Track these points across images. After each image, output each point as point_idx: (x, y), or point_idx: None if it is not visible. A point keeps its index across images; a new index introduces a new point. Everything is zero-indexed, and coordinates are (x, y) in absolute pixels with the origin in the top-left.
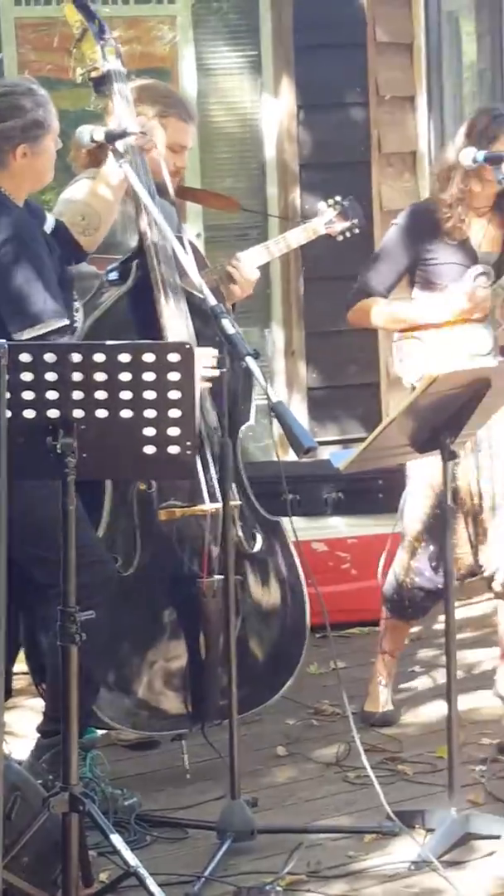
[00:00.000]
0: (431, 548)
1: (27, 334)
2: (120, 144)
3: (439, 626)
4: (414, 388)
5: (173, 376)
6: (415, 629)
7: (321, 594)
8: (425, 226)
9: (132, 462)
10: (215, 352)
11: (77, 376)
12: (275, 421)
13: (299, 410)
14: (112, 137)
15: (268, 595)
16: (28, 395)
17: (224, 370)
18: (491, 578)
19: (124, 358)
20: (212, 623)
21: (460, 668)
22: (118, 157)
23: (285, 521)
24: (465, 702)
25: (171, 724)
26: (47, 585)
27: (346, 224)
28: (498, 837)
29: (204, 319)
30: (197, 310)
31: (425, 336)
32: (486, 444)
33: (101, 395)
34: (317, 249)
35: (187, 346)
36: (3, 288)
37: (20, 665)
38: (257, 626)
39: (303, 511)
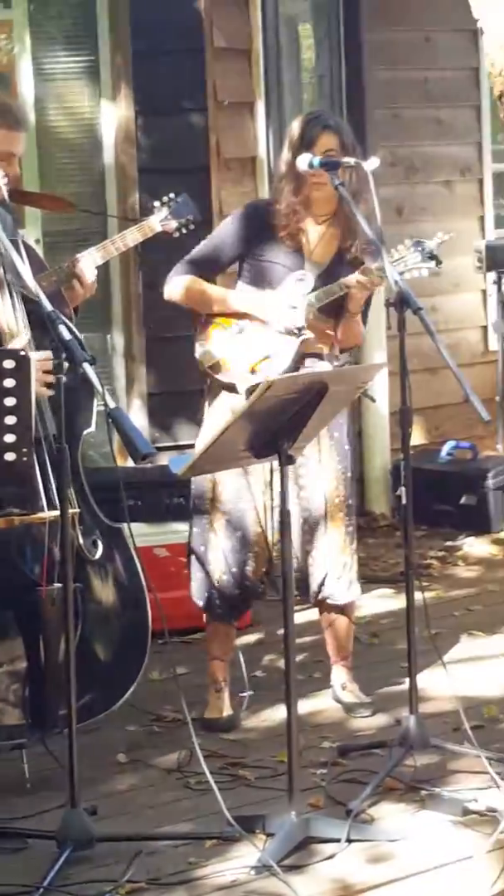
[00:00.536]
0: (232, 546)
1: None
2: None
3: (280, 630)
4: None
5: (8, 383)
6: (255, 634)
7: (160, 600)
8: (261, 221)
9: None
10: (50, 354)
11: None
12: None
13: (139, 416)
14: None
15: (109, 602)
16: None
17: (62, 376)
18: (312, 587)
19: None
20: (52, 631)
21: (300, 672)
22: None
23: (126, 527)
24: (305, 706)
25: (9, 734)
26: None
27: (181, 220)
28: (338, 841)
29: (43, 326)
30: (36, 317)
31: (233, 325)
32: (314, 456)
33: None
34: (156, 254)
35: (22, 353)
36: None
37: None
38: (99, 634)
39: (144, 517)
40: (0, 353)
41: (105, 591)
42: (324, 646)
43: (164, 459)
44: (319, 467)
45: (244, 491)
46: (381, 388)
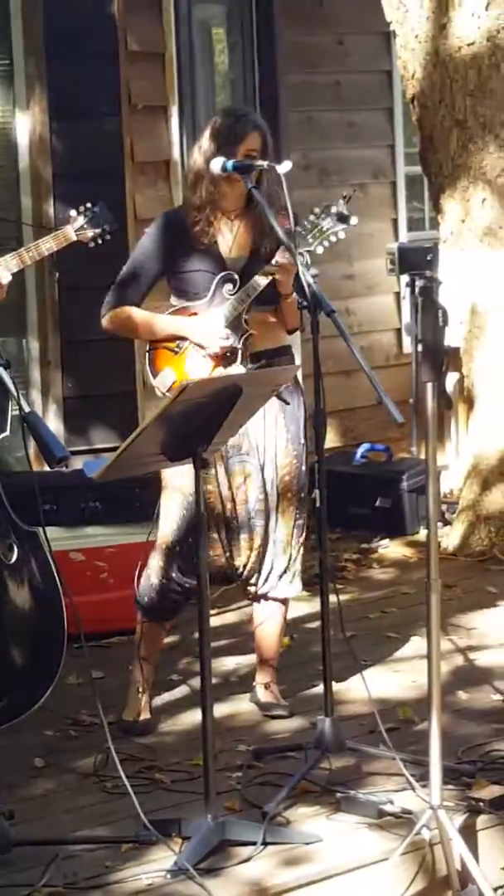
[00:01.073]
0: (180, 550)
1: None
2: None
3: (196, 634)
4: (166, 396)
5: None
6: (172, 637)
7: (76, 605)
8: (176, 233)
9: None
10: None
11: None
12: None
13: (55, 420)
14: None
15: (25, 606)
16: None
17: None
18: (249, 582)
19: None
20: None
21: (216, 676)
22: None
23: (42, 532)
24: (221, 709)
25: None
26: None
27: (98, 230)
28: (254, 844)
29: None
30: None
31: (176, 347)
32: (255, 451)
33: None
34: (71, 258)
35: None
36: None
37: None
38: (14, 638)
39: (60, 521)
40: None
41: (20, 595)
42: (241, 649)
43: (79, 463)
44: (275, 462)
45: (192, 497)
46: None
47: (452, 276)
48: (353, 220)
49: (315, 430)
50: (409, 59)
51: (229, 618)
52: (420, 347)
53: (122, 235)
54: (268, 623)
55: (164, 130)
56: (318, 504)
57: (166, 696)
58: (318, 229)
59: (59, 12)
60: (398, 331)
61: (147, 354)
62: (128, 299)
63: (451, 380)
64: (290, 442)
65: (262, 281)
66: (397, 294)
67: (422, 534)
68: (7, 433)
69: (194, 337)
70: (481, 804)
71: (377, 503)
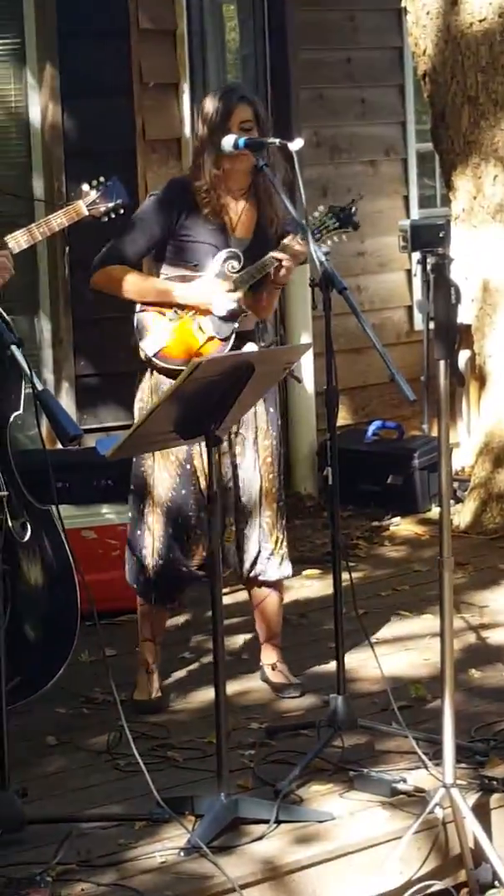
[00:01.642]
0: (171, 531)
1: None
2: None
3: (209, 612)
4: (150, 361)
5: None
6: (184, 616)
7: (88, 582)
8: (183, 199)
9: None
10: None
11: None
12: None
13: (67, 398)
14: None
15: (38, 584)
16: None
17: None
18: (245, 564)
19: None
20: None
21: (228, 654)
22: None
23: (55, 510)
24: (233, 687)
25: None
26: None
27: (110, 204)
28: (266, 822)
29: None
30: None
31: (170, 313)
32: (251, 434)
33: None
34: (84, 237)
35: None
36: None
37: None
38: (28, 616)
39: (72, 499)
40: None
41: (34, 574)
42: (252, 626)
43: (92, 442)
44: (255, 445)
45: (185, 476)
46: (306, 369)
47: (464, 253)
48: (358, 226)
49: (327, 407)
50: (421, 35)
51: (241, 596)
52: (432, 325)
53: (133, 212)
54: (264, 605)
55: (175, 108)
56: (329, 481)
57: (179, 674)
58: (325, 227)
59: None
60: (409, 308)
61: (135, 316)
62: (125, 258)
63: (462, 357)
64: (270, 424)
65: (269, 264)
66: (408, 271)
67: (433, 511)
68: (20, 412)
69: (199, 298)
70: (494, 782)
71: (389, 481)
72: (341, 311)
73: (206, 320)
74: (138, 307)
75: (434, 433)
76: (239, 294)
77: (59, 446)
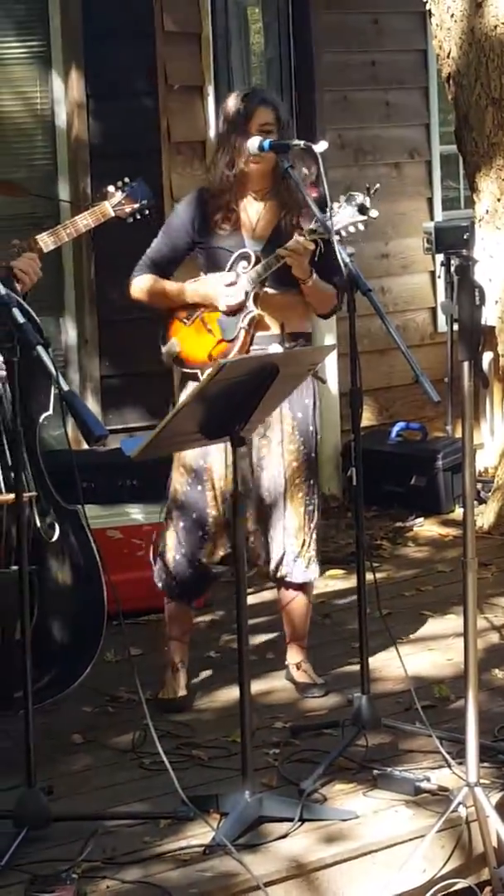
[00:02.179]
0: (188, 529)
1: None
2: None
3: (234, 611)
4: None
5: None
6: (210, 615)
7: (114, 582)
8: (198, 208)
9: None
10: None
11: None
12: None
13: (92, 399)
14: None
15: (66, 584)
16: None
17: (15, 359)
18: (270, 565)
19: None
20: (8, 614)
21: (253, 653)
22: None
23: (82, 510)
24: (258, 686)
25: None
26: None
27: (136, 205)
28: (291, 820)
29: None
30: None
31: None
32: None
33: None
34: (108, 239)
35: None
36: None
37: None
38: (55, 615)
39: (97, 499)
40: None
41: (61, 573)
42: (277, 626)
43: (117, 442)
44: (280, 447)
45: (203, 472)
46: (330, 370)
47: (488, 254)
48: (374, 213)
49: (351, 408)
50: (445, 38)
51: (266, 595)
52: (456, 326)
53: (158, 216)
54: (291, 606)
55: (200, 110)
56: (353, 482)
57: (204, 674)
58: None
59: None
60: (433, 310)
61: (160, 324)
62: (151, 267)
63: (486, 359)
64: (297, 429)
65: (273, 262)
66: (432, 273)
67: (457, 512)
68: (50, 412)
69: (208, 298)
70: None
71: (412, 481)
72: (365, 312)
73: (216, 322)
74: (165, 316)
75: (458, 434)
76: (241, 288)
77: (85, 446)
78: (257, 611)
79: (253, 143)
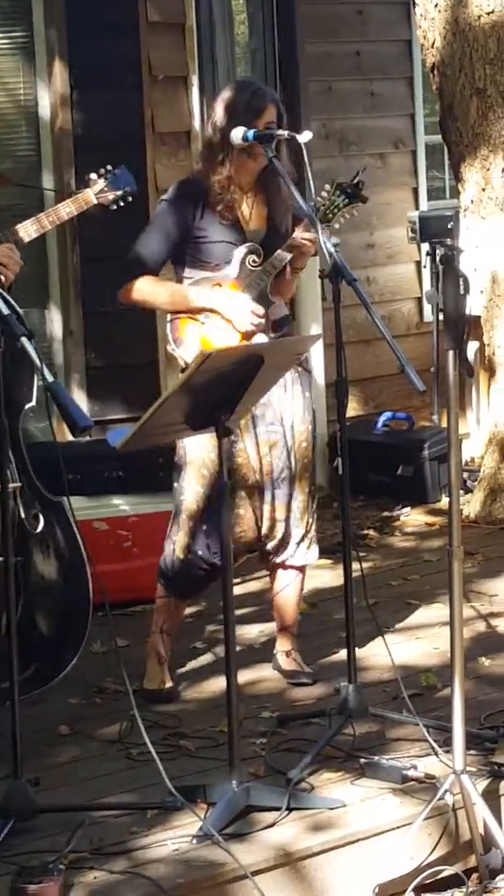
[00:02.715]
0: (205, 526)
1: None
2: None
3: (220, 602)
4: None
5: None
6: (196, 606)
7: (100, 573)
8: (195, 200)
9: None
10: None
11: None
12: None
13: (78, 390)
14: None
15: (51, 575)
16: None
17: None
18: (269, 550)
19: None
20: None
21: (239, 643)
22: None
23: (67, 501)
24: (244, 676)
25: None
26: None
27: (118, 192)
28: (278, 809)
29: None
30: None
31: (202, 317)
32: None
33: None
34: (93, 229)
35: None
36: None
37: None
38: (41, 607)
39: (83, 490)
40: None
41: (47, 565)
42: (264, 616)
43: (102, 433)
44: (292, 430)
45: (211, 472)
46: (316, 360)
47: (473, 244)
48: (366, 199)
49: (337, 398)
50: (429, 28)
51: (252, 586)
52: (442, 316)
53: (142, 206)
54: (287, 591)
55: (184, 101)
56: (340, 472)
57: (191, 664)
58: (334, 206)
59: None
60: (419, 299)
61: (168, 324)
62: (147, 266)
63: (472, 348)
64: (306, 408)
65: (287, 255)
66: (418, 263)
67: (443, 502)
68: (34, 403)
69: (227, 314)
70: None
71: (399, 471)
72: (351, 302)
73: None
74: (169, 315)
75: (444, 424)
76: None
77: (70, 438)
78: (244, 601)
79: (237, 133)
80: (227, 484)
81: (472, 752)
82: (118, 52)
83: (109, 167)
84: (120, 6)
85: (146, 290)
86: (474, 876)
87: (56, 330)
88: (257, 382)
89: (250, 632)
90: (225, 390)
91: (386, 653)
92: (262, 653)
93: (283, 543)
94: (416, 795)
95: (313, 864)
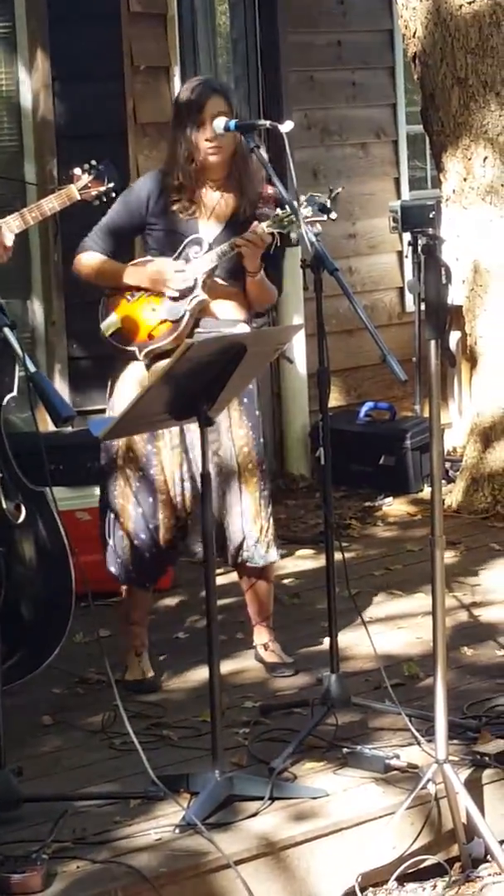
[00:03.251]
0: (141, 510)
1: None
2: None
3: (202, 592)
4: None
5: None
6: (179, 596)
7: (83, 564)
8: (152, 192)
9: None
10: None
11: None
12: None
13: (60, 381)
14: None
15: (33, 565)
16: None
17: None
18: (229, 551)
19: None
20: None
21: (222, 634)
22: None
23: (49, 491)
24: (227, 666)
25: None
26: None
27: (102, 188)
28: (261, 798)
29: None
30: None
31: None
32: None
33: None
34: (75, 220)
35: None
36: None
37: None
38: (23, 597)
39: (66, 481)
40: None
41: (29, 555)
42: (245, 606)
43: (85, 424)
44: (230, 434)
45: (152, 456)
46: (298, 350)
47: (455, 234)
48: (333, 215)
49: (319, 388)
50: (410, 17)
51: (234, 576)
52: (423, 306)
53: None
54: (253, 589)
55: (166, 91)
56: (322, 462)
57: (173, 654)
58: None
59: None
60: (401, 289)
61: (102, 300)
62: (99, 247)
63: (454, 338)
64: (244, 414)
65: (226, 250)
66: (400, 253)
67: (425, 491)
68: (14, 394)
69: (146, 279)
70: (486, 758)
71: (381, 461)
72: (333, 292)
73: (160, 302)
74: (106, 291)
75: (426, 414)
76: (191, 276)
77: (52, 428)
78: (226, 591)
79: (219, 123)
80: (208, 474)
81: (454, 741)
82: (100, 42)
83: (94, 162)
84: None
85: (88, 266)
86: (457, 865)
87: (38, 320)
88: (240, 372)
89: (233, 622)
90: (207, 380)
91: (368, 642)
92: (244, 643)
93: (239, 546)
94: (399, 785)
95: (296, 853)
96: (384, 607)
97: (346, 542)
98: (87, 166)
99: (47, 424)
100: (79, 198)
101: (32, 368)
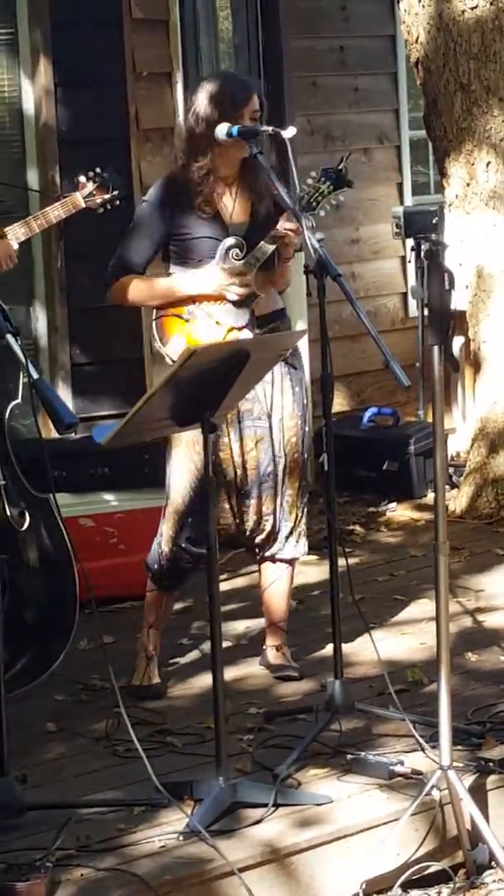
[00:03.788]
0: (190, 519)
1: None
2: None
3: (207, 598)
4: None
5: None
6: (183, 602)
7: (86, 570)
8: (176, 198)
9: None
10: None
11: None
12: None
13: (63, 387)
14: None
15: (37, 572)
16: None
17: None
18: (257, 545)
19: None
20: None
21: (226, 639)
22: None
23: (52, 498)
24: (231, 672)
25: None
26: None
27: (106, 196)
28: (265, 805)
29: None
30: None
31: (186, 314)
32: (265, 416)
33: None
34: (78, 226)
35: None
36: None
37: None
38: (28, 603)
39: (69, 487)
40: None
41: (33, 562)
42: (250, 613)
43: (88, 430)
44: (281, 424)
45: (196, 460)
46: (302, 356)
47: (458, 239)
48: (352, 183)
49: (322, 394)
50: (413, 23)
51: (239, 582)
52: (427, 311)
53: (127, 203)
54: (276, 585)
55: (168, 97)
56: (325, 468)
57: (178, 660)
58: (319, 193)
59: None
60: (404, 295)
61: (154, 322)
62: (131, 267)
63: (457, 343)
64: (296, 403)
65: (270, 247)
66: (403, 258)
67: (429, 497)
68: (18, 401)
69: (205, 287)
70: (491, 764)
71: (385, 467)
72: (336, 298)
73: (220, 312)
74: (155, 313)
75: (429, 419)
76: (248, 278)
77: (56, 435)
78: (231, 597)
79: (221, 129)
80: (212, 479)
81: (458, 747)
82: (102, 48)
83: (98, 170)
84: (104, 2)
85: (136, 289)
86: (461, 871)
87: (41, 327)
88: (243, 378)
89: (237, 628)
90: (210, 386)
91: (372, 648)
92: (248, 649)
93: (271, 538)
94: (403, 791)
95: (300, 860)
96: (388, 613)
97: (349, 548)
98: (91, 174)
99: (50, 431)
100: (84, 206)
101: (36, 375)
